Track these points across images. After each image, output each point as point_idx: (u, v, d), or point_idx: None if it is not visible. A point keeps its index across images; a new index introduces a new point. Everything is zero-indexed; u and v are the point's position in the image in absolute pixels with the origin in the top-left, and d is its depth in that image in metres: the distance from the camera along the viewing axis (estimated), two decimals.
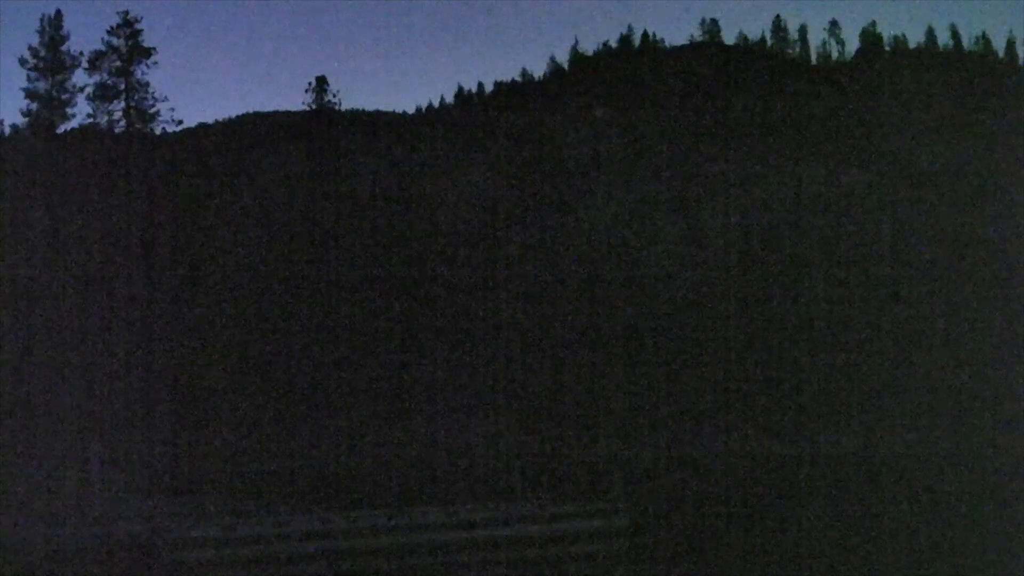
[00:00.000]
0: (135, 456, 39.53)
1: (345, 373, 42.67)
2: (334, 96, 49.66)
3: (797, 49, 73.02)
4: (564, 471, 37.73)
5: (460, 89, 54.63)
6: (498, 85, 55.90)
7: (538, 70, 59.14)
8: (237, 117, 49.59)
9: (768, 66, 72.11)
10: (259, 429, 42.15)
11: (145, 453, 40.19)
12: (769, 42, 70.58)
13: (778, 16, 78.43)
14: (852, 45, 77.48)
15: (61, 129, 47.24)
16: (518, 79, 57.53)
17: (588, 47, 61.61)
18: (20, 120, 45.43)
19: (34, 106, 46.73)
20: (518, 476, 34.25)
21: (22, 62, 46.69)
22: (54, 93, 46.93)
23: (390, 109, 52.46)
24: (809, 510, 27.79)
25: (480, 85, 55.49)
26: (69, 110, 47.07)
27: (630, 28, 63.17)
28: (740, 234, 55.99)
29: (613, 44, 61.01)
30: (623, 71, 61.74)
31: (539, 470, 36.94)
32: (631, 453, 42.52)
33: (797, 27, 72.76)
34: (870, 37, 75.65)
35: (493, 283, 49.94)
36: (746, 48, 70.83)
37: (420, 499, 31.99)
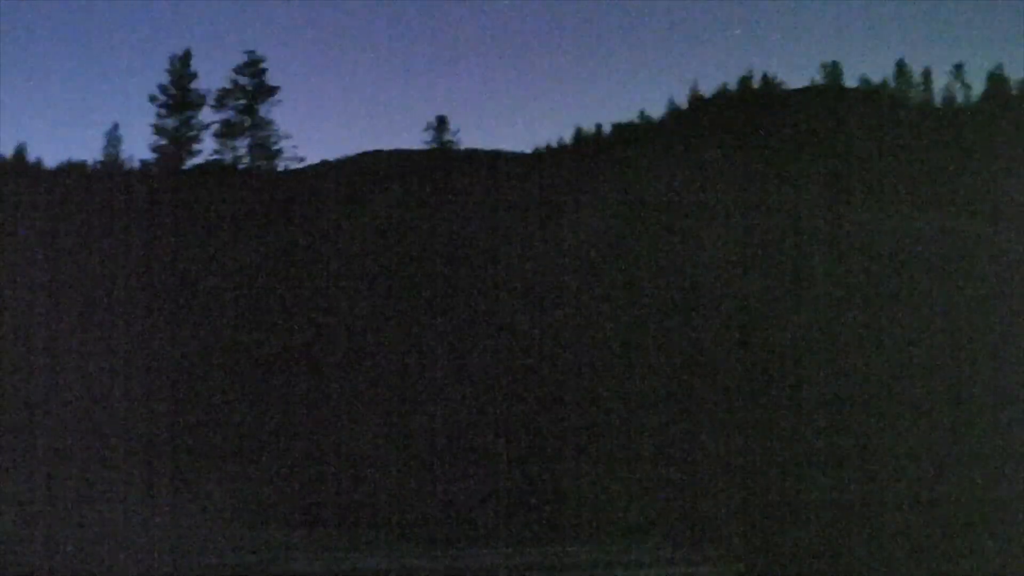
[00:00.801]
0: (239, 485, 38.91)
1: (453, 410, 41.73)
2: (454, 135, 49.61)
3: (920, 92, 70.70)
4: (671, 512, 35.99)
5: (578, 130, 54.33)
6: (616, 127, 55.32)
7: (657, 112, 58.14)
8: (358, 155, 49.83)
9: (889, 110, 70.02)
10: (373, 461, 41.40)
11: (251, 482, 39.59)
12: (891, 85, 68.47)
13: (901, 59, 76.47)
14: (979, 88, 74.73)
15: (187, 165, 48.05)
16: (636, 120, 56.86)
17: (708, 89, 60.63)
18: (148, 155, 46.31)
19: (162, 142, 47.73)
20: (632, 516, 33.13)
21: (152, 99, 47.84)
22: (181, 130, 47.86)
23: (508, 149, 51.95)
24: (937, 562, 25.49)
25: (598, 126, 55.00)
26: (195, 146, 47.98)
27: (750, 70, 61.88)
28: (850, 284, 53.85)
29: (732, 86, 59.81)
30: (740, 113, 60.41)
31: (644, 510, 35.38)
32: (739, 495, 40.40)
33: (921, 70, 70.77)
34: (997, 80, 72.88)
35: (606, 325, 48.65)
36: (867, 91, 68.87)
37: (523, 536, 31.48)
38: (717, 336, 48.89)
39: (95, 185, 46.95)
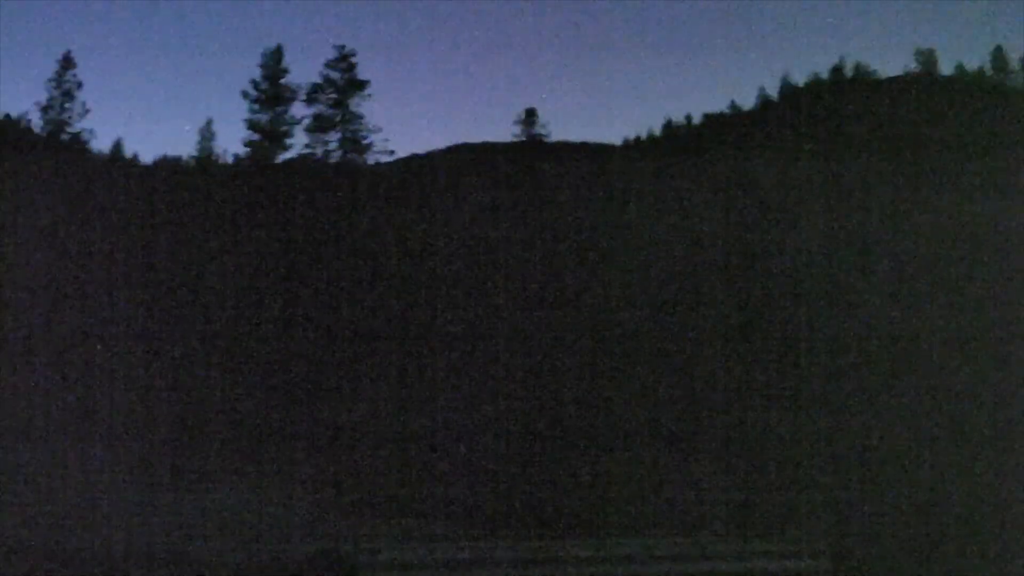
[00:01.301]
0: (328, 474, 38.76)
1: (546, 400, 41.18)
2: (543, 127, 49.06)
3: (1019, 79, 68.25)
4: (755, 505, 34.87)
5: (668, 121, 53.39)
6: (706, 117, 54.23)
7: (748, 102, 56.94)
8: (447, 148, 49.55)
9: (986, 98, 67.72)
10: (451, 454, 40.91)
11: (338, 472, 39.39)
12: (988, 72, 66.20)
13: (999, 46, 73.96)
14: None
15: (279, 159, 48.21)
16: (727, 111, 55.69)
17: (799, 78, 59.21)
18: (242, 150, 46.57)
19: (255, 137, 47.96)
20: (714, 509, 32.37)
21: (244, 95, 48.12)
22: (273, 125, 48.01)
23: (598, 140, 51.26)
24: None
25: (688, 117, 54.01)
26: (287, 141, 48.11)
27: (842, 59, 60.30)
28: (946, 276, 51.96)
29: (824, 75, 58.31)
30: (832, 102, 58.82)
31: (726, 503, 34.39)
32: (828, 489, 39.02)
33: (1020, 56, 68.39)
34: None
35: (693, 315, 47.76)
36: (963, 79, 66.68)
37: (606, 528, 31.03)
38: (812, 327, 47.52)
39: (189, 180, 47.30)
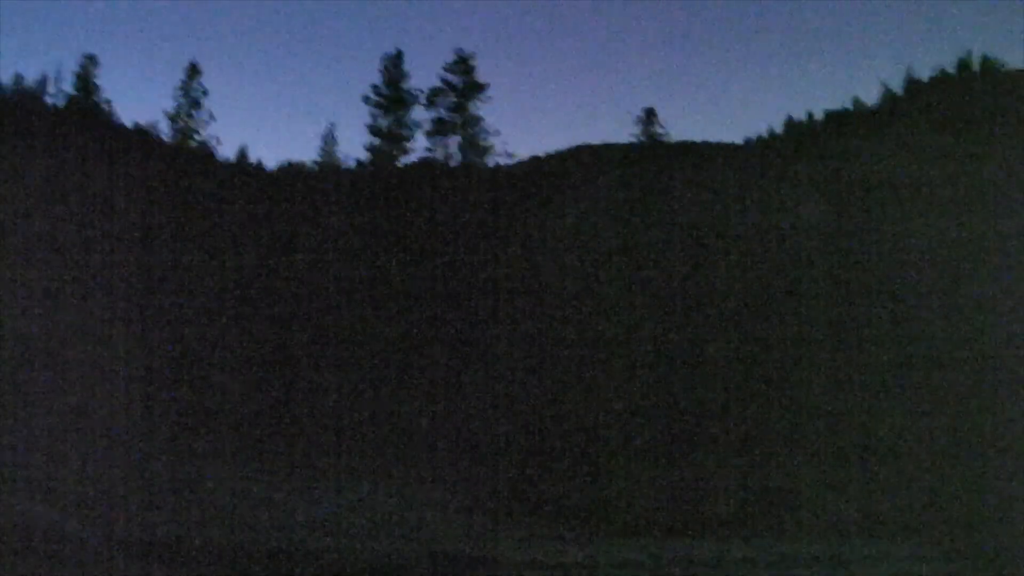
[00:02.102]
0: (450, 475, 38.92)
1: (685, 405, 40.48)
2: (662, 127, 48.48)
3: None
4: (882, 508, 33.91)
5: (789, 118, 52.21)
6: (828, 113, 52.87)
7: (871, 98, 55.26)
8: (567, 149, 49.20)
9: None
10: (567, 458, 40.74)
11: (461, 473, 39.52)
12: None
13: None
14: None
15: (401, 163, 48.55)
16: (849, 107, 54.22)
17: (924, 72, 57.25)
18: (363, 155, 47.06)
19: (376, 141, 48.38)
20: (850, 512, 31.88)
21: (366, 100, 48.62)
22: (394, 129, 48.38)
23: (718, 140, 50.31)
24: None
25: (810, 114, 52.69)
26: (408, 145, 48.44)
27: (968, 52, 58.09)
28: None
29: (950, 69, 56.26)
30: (958, 97, 56.68)
31: (859, 507, 33.59)
32: (953, 491, 37.63)
33: None
34: None
35: (818, 319, 46.46)
36: None
37: (750, 532, 30.75)
38: (934, 326, 45.72)
39: (313, 184, 47.92)
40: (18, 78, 48.72)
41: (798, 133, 52.02)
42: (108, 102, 49.31)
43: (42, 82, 49.22)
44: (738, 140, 51.28)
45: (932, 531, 27.22)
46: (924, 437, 39.99)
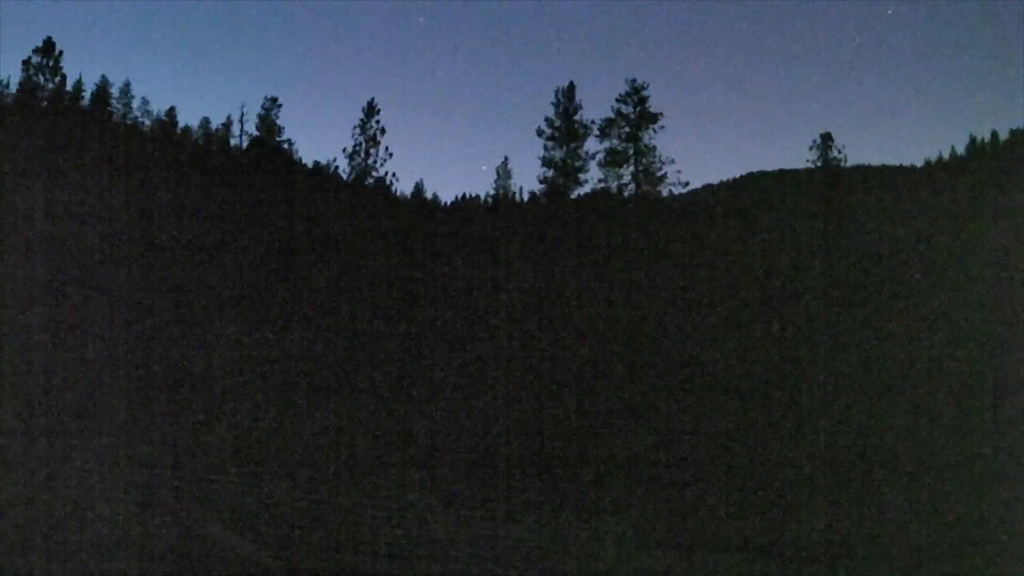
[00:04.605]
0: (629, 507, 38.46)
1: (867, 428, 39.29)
2: (839, 151, 47.35)
3: None
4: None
5: (972, 139, 50.36)
6: (1013, 132, 50.78)
7: None
8: (741, 176, 48.55)
9: None
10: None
11: (637, 504, 39.03)
12: None
13: None
14: None
15: (574, 194, 48.71)
16: None
17: None
18: (536, 187, 47.39)
19: (550, 173, 48.67)
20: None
21: (539, 132, 48.90)
22: (568, 160, 48.55)
23: (897, 163, 48.90)
24: None
25: (994, 133, 50.70)
26: (581, 176, 48.53)
27: None
28: None
29: None
30: None
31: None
32: None
33: None
34: None
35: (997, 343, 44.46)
36: None
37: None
38: None
39: (488, 217, 48.51)
40: (204, 121, 50.67)
41: (982, 153, 50.14)
42: (290, 142, 50.86)
43: (227, 124, 51.17)
44: (919, 162, 49.70)
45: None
46: None
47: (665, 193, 47.94)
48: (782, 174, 49.40)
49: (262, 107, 48.06)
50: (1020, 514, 24.21)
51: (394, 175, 48.36)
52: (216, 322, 39.25)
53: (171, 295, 38.51)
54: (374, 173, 49.50)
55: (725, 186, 49.09)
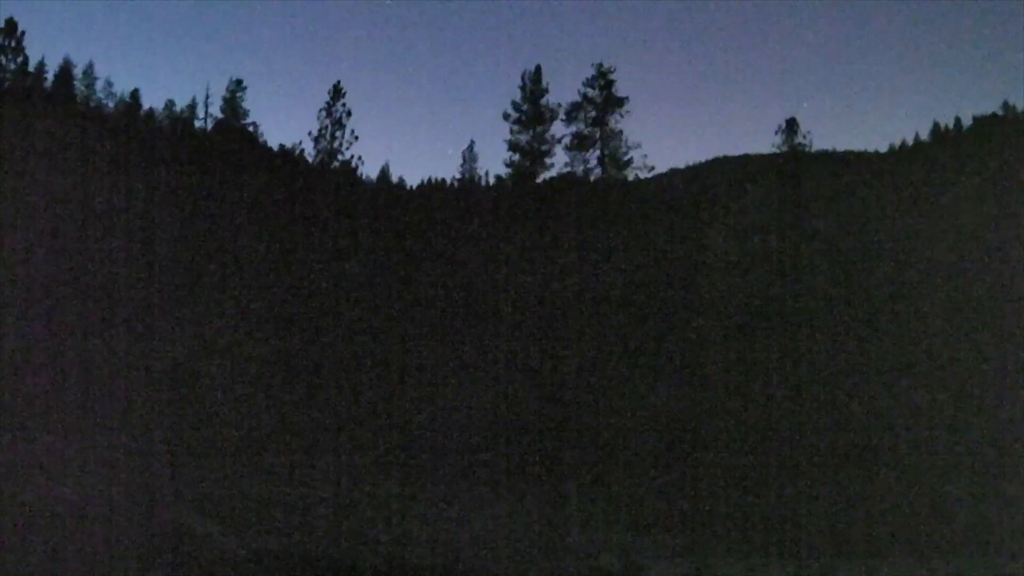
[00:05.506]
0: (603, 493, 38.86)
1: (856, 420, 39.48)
2: (804, 137, 47.58)
3: None
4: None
5: (935, 125, 50.66)
6: (977, 119, 51.16)
7: (1021, 101, 53.33)
8: (706, 161, 48.66)
9: None
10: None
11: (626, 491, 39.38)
12: None
13: None
14: None
15: (540, 178, 48.59)
16: (999, 112, 52.36)
17: None
18: (503, 171, 47.29)
19: (516, 157, 48.51)
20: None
21: (505, 116, 48.73)
22: (534, 144, 48.42)
23: (861, 148, 49.16)
24: None
25: (957, 120, 51.03)
26: (548, 160, 48.39)
27: None
28: None
29: None
30: None
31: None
32: None
33: None
34: None
35: (972, 321, 45.07)
36: None
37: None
38: None
39: (454, 201, 48.41)
40: (169, 104, 50.15)
41: (946, 139, 50.50)
42: (255, 125, 50.47)
43: (191, 107, 50.70)
44: (882, 148, 50.03)
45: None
46: None
47: (631, 177, 47.90)
48: (747, 159, 49.54)
49: (227, 89, 47.52)
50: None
51: (360, 158, 48.00)
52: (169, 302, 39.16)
53: (124, 274, 38.27)
54: (340, 156, 49.15)
55: (691, 170, 49.17)
